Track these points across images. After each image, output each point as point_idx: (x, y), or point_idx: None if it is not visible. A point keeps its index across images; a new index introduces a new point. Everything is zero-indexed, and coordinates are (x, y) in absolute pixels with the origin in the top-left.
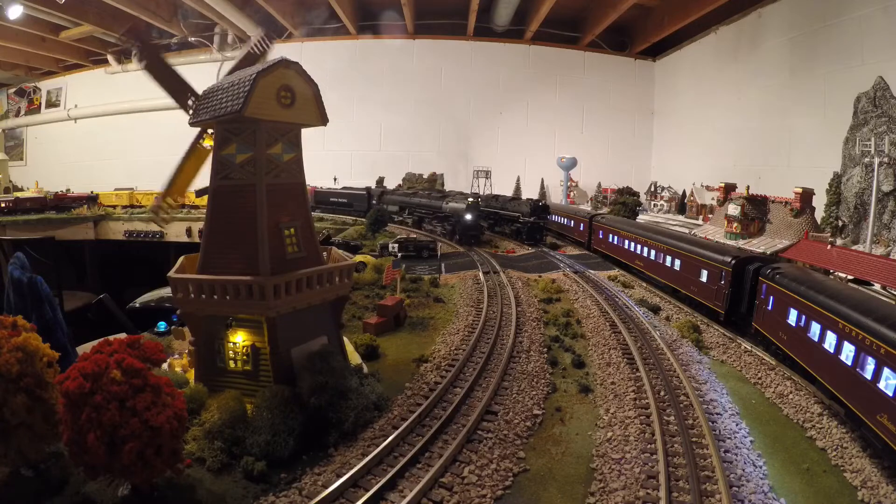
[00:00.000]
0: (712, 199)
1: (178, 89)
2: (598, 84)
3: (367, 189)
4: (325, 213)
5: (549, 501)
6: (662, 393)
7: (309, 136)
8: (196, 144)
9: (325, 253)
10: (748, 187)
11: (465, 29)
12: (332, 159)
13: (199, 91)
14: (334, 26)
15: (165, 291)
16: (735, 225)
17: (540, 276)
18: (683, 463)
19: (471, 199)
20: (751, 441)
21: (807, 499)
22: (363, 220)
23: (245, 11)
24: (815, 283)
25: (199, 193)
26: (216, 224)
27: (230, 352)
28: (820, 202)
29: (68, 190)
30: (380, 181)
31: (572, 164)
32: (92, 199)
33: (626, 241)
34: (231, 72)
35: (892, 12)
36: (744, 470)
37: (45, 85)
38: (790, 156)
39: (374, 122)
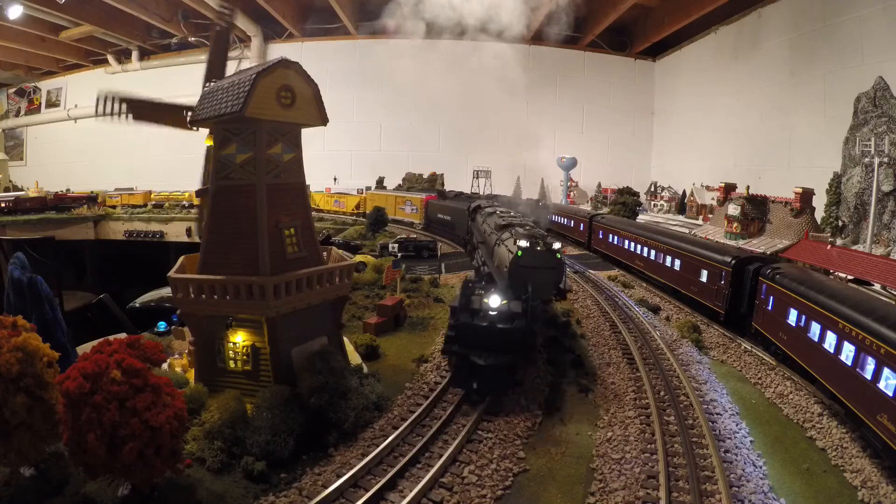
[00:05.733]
0: (712, 199)
1: (215, 67)
2: (598, 84)
3: (469, 203)
4: (435, 234)
5: (549, 501)
6: (662, 393)
7: (309, 136)
8: (182, 111)
9: (325, 253)
10: (748, 187)
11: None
12: (332, 159)
13: (197, 92)
14: (334, 26)
15: (165, 291)
16: (735, 225)
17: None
18: (683, 463)
19: (522, 244)
20: (751, 441)
21: (807, 499)
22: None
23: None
24: (815, 283)
25: (200, 193)
26: (216, 224)
27: (230, 352)
28: (820, 202)
29: (68, 190)
30: (379, 181)
31: (572, 164)
32: (92, 199)
33: (626, 241)
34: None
35: (892, 12)
36: (744, 470)
37: (45, 85)
38: (790, 156)
39: (374, 122)
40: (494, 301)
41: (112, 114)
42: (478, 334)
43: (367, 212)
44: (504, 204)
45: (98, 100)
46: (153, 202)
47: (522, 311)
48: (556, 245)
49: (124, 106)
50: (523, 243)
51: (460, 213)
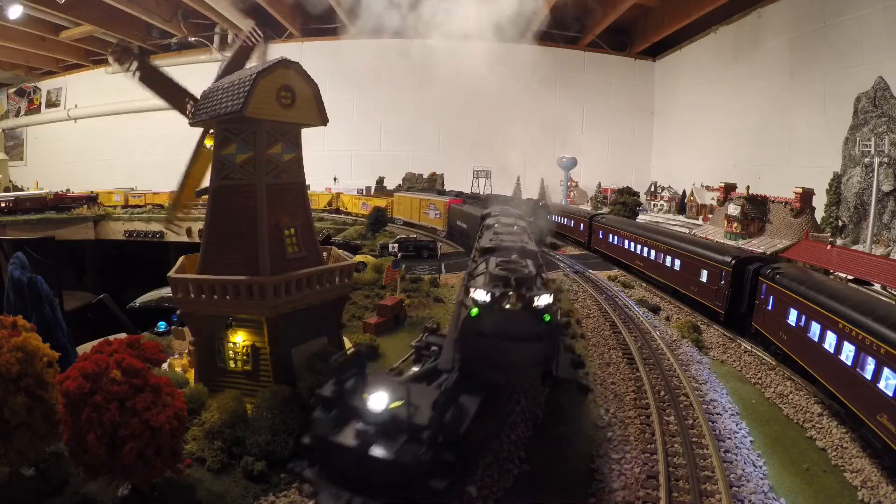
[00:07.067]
0: (712, 199)
1: (175, 96)
2: (598, 84)
3: (482, 208)
4: (457, 245)
5: (549, 501)
6: (662, 393)
7: (309, 136)
8: (200, 147)
9: (325, 253)
10: (748, 187)
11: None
12: (332, 159)
13: (197, 93)
14: (334, 26)
15: (165, 291)
16: (735, 225)
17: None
18: (683, 463)
19: (479, 296)
20: (751, 441)
21: (807, 499)
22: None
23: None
24: (815, 283)
25: (200, 193)
26: (216, 224)
27: (230, 352)
28: (820, 202)
29: (68, 190)
30: (379, 181)
31: (572, 164)
32: (92, 199)
33: (626, 241)
34: (224, 67)
35: (892, 12)
36: (744, 470)
37: (45, 85)
38: (790, 156)
39: (373, 122)
40: (378, 401)
41: (121, 63)
42: (341, 458)
43: (394, 215)
44: (520, 208)
45: (113, 51)
46: None
47: (428, 424)
48: (543, 300)
49: (135, 63)
50: (480, 295)
51: (475, 221)
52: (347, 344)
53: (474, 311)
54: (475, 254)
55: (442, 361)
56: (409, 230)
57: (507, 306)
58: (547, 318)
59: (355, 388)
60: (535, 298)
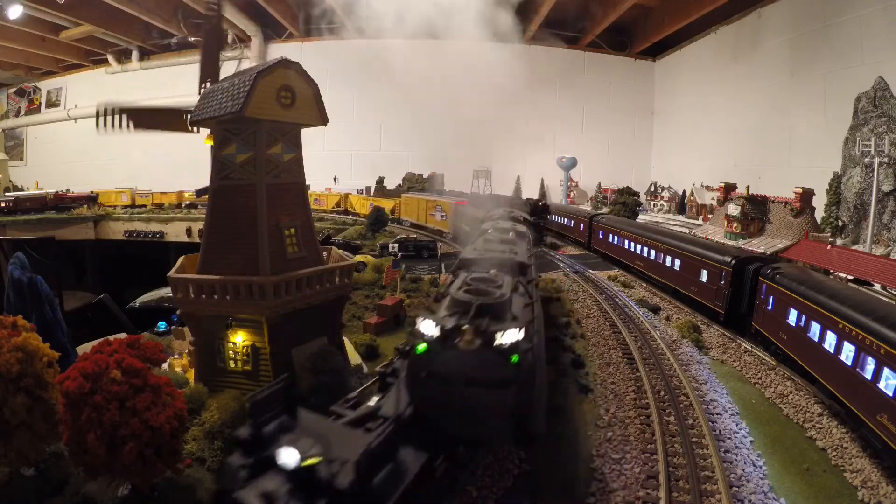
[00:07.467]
0: (712, 199)
1: (208, 66)
2: (598, 84)
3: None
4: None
5: (549, 501)
6: (662, 393)
7: (309, 136)
8: (182, 115)
9: (325, 253)
10: (748, 187)
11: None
12: (332, 159)
13: (192, 98)
14: (334, 26)
15: (165, 291)
16: (735, 225)
17: (539, 276)
18: (683, 463)
19: (426, 328)
20: (751, 441)
21: (807, 499)
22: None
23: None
24: (815, 283)
25: (200, 193)
26: (216, 224)
27: (230, 352)
28: (820, 202)
29: (68, 190)
30: (379, 181)
31: (572, 164)
32: (92, 199)
33: (626, 241)
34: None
35: (892, 12)
36: (744, 470)
37: (45, 85)
38: (790, 156)
39: (373, 122)
40: (290, 456)
41: (114, 126)
42: None
43: (402, 216)
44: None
45: (98, 114)
46: (187, 202)
47: (348, 489)
48: (508, 336)
49: (124, 117)
50: (428, 328)
51: (477, 224)
52: (347, 344)
53: (421, 346)
54: (455, 264)
55: (387, 403)
56: (411, 231)
57: (460, 343)
58: (515, 358)
59: (280, 431)
60: (498, 334)
